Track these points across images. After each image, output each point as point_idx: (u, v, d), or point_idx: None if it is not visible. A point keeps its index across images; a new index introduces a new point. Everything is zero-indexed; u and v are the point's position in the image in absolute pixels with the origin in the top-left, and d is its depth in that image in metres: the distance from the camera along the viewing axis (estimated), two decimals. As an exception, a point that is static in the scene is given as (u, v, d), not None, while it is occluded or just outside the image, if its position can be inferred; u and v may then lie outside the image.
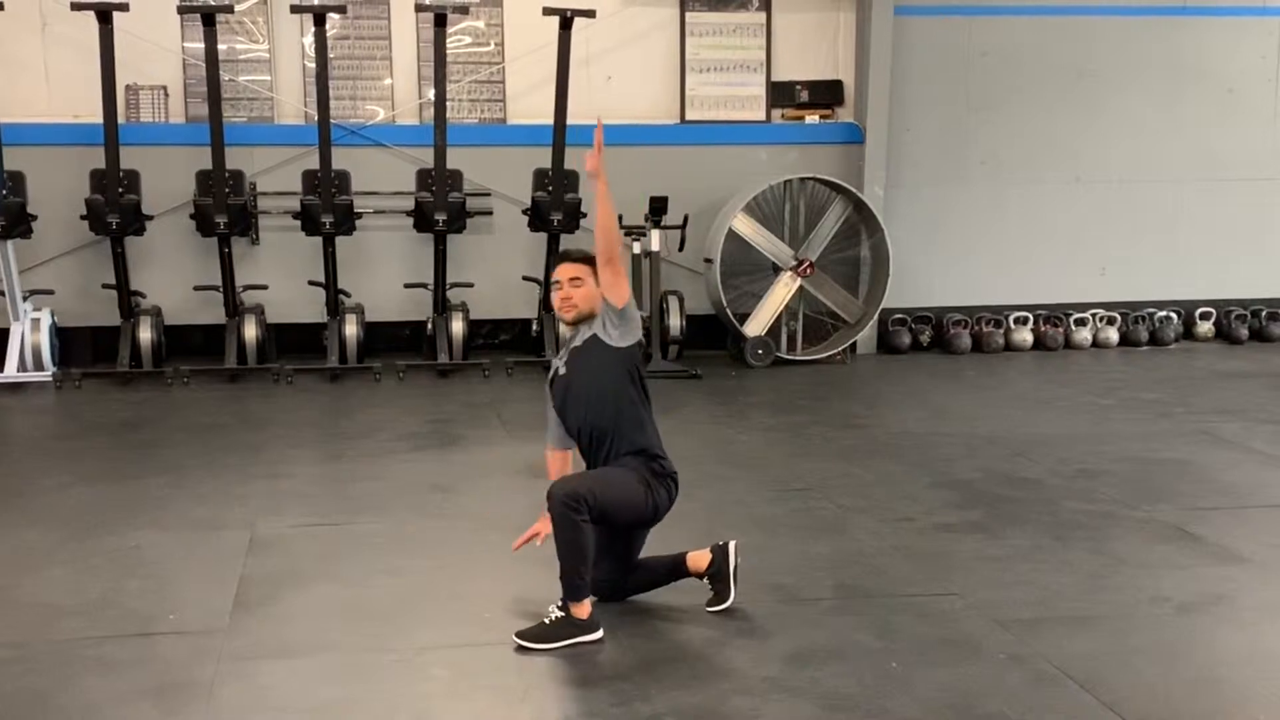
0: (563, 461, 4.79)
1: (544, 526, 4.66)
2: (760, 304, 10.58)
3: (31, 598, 4.85)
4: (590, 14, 10.05)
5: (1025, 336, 11.42)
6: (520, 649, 4.29)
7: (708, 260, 10.59)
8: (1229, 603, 4.83)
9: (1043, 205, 11.65)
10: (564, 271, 4.65)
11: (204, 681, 4.04)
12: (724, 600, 4.66)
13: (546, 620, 4.35)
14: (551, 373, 4.80)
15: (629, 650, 4.32)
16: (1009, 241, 11.62)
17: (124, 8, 9.29)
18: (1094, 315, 11.64)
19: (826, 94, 11.24)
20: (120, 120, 9.59)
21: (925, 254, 11.34)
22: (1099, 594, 4.91)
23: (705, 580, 4.72)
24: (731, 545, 4.72)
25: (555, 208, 9.94)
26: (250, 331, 9.79)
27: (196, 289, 10.02)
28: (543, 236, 10.23)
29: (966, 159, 11.49)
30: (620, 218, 10.01)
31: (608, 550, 4.57)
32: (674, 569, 4.78)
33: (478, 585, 4.88)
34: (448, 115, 9.98)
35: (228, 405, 8.82)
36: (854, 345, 10.98)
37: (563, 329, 4.79)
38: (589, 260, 4.65)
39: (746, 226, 10.46)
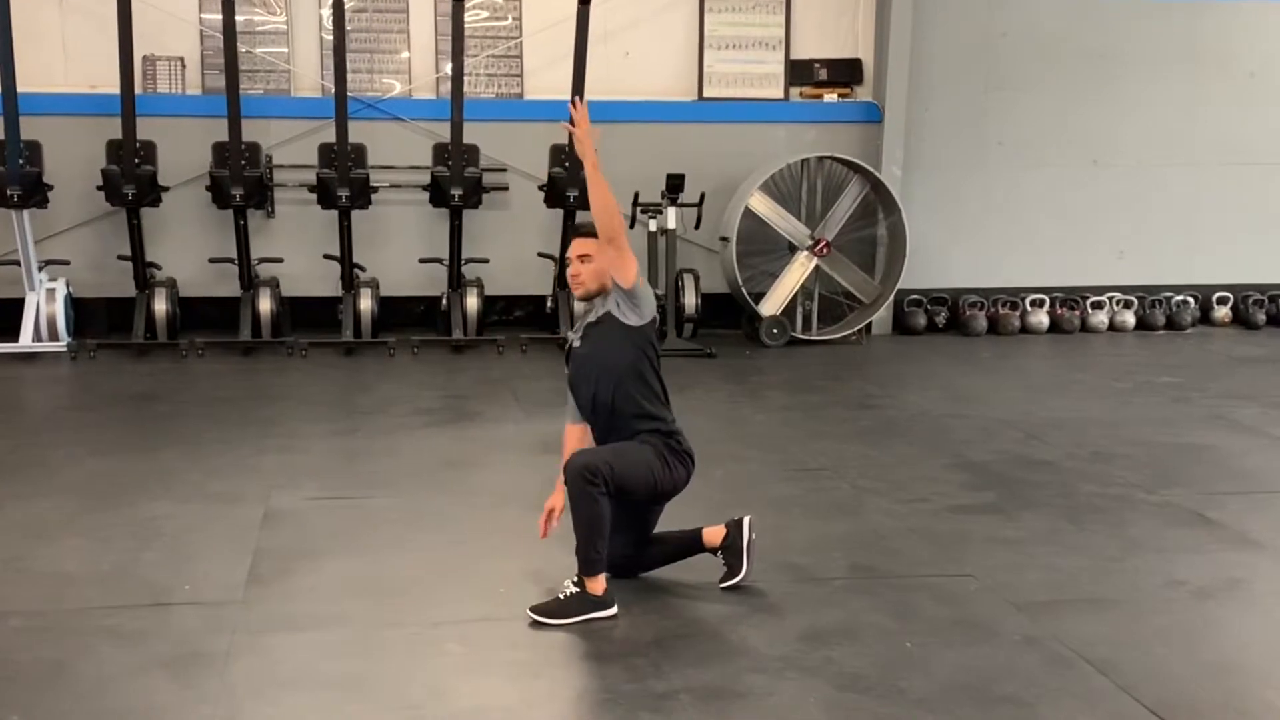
0: (580, 436, 4.75)
1: (556, 501, 4.68)
2: (776, 283, 10.54)
3: (47, 568, 4.87)
4: (609, -11, 10.04)
5: (1041, 319, 11.37)
6: (535, 624, 4.29)
7: (724, 239, 10.55)
8: (1245, 587, 4.81)
9: (1061, 187, 11.58)
10: (575, 248, 4.62)
11: (218, 653, 4.05)
12: (736, 574, 4.65)
13: (561, 595, 4.35)
14: (567, 346, 4.79)
15: (643, 626, 4.32)
16: (1026, 223, 11.56)
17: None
18: (1111, 298, 11.58)
19: (845, 72, 11.19)
20: (137, 91, 9.57)
21: (942, 235, 11.29)
22: (1114, 577, 4.90)
23: (719, 555, 4.72)
24: (746, 520, 4.71)
25: (571, 184, 9.89)
26: (265, 305, 9.79)
27: (212, 261, 10.01)
28: (558, 213, 10.20)
29: (985, 140, 11.42)
30: (636, 195, 10.04)
31: (624, 525, 4.56)
32: (689, 544, 4.78)
33: (492, 560, 4.88)
34: (465, 90, 9.95)
35: (242, 378, 8.84)
36: (869, 326, 10.94)
37: (577, 305, 4.75)
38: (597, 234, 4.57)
39: (763, 205, 10.41)
